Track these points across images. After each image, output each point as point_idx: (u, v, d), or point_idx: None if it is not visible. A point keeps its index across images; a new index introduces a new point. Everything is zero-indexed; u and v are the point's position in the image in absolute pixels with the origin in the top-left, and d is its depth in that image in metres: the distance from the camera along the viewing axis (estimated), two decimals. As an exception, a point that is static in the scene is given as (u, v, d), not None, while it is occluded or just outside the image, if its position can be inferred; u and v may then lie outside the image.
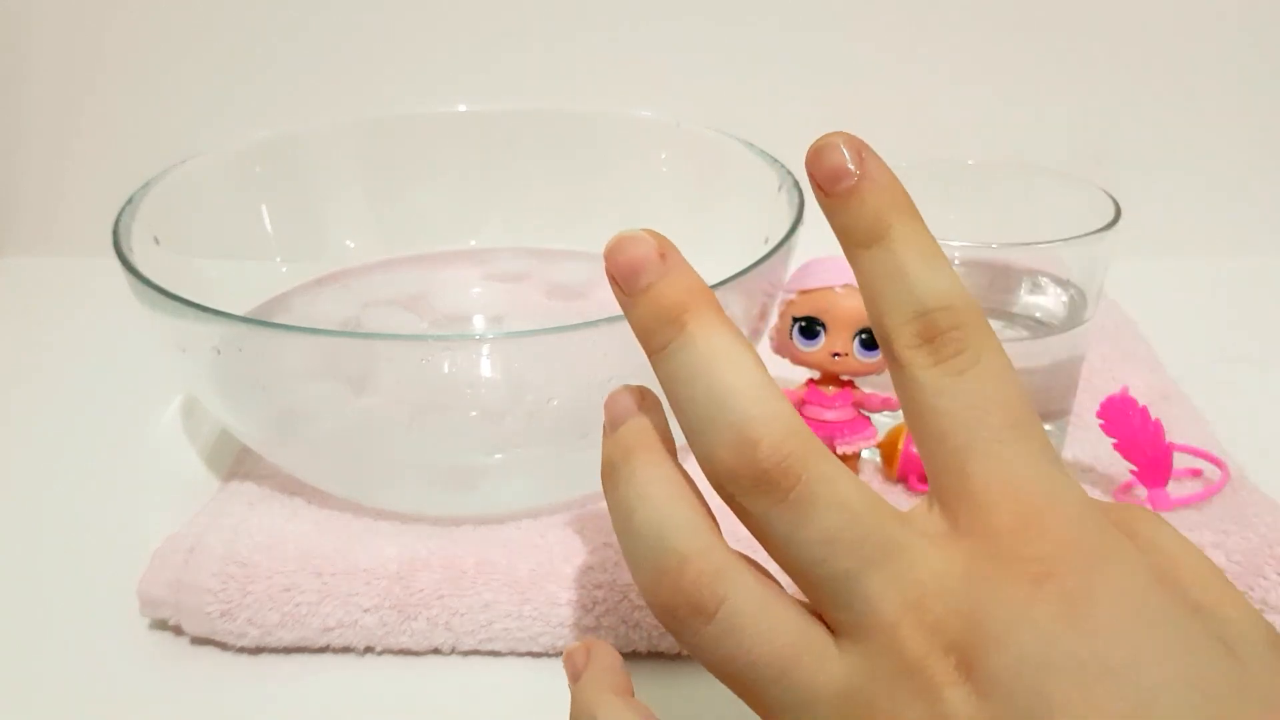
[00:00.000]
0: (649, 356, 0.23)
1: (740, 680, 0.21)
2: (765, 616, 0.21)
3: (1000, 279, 0.42)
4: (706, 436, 0.21)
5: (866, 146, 0.23)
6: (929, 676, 0.19)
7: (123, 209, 0.42)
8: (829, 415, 0.40)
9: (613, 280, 0.23)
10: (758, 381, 0.21)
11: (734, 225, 0.47)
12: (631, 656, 0.35)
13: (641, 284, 0.22)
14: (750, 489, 0.21)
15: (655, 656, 0.35)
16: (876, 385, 0.41)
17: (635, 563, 0.22)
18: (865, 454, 0.42)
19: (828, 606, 0.21)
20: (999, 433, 0.21)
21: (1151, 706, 0.18)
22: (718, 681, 0.22)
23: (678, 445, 0.23)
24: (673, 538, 0.21)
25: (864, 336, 0.38)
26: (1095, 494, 0.40)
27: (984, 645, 0.19)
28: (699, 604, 0.21)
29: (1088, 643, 0.19)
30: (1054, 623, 0.19)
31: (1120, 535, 0.21)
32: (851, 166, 0.22)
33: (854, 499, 0.21)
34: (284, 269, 0.51)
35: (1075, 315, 0.40)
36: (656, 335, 0.22)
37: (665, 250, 0.23)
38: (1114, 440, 0.38)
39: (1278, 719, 0.19)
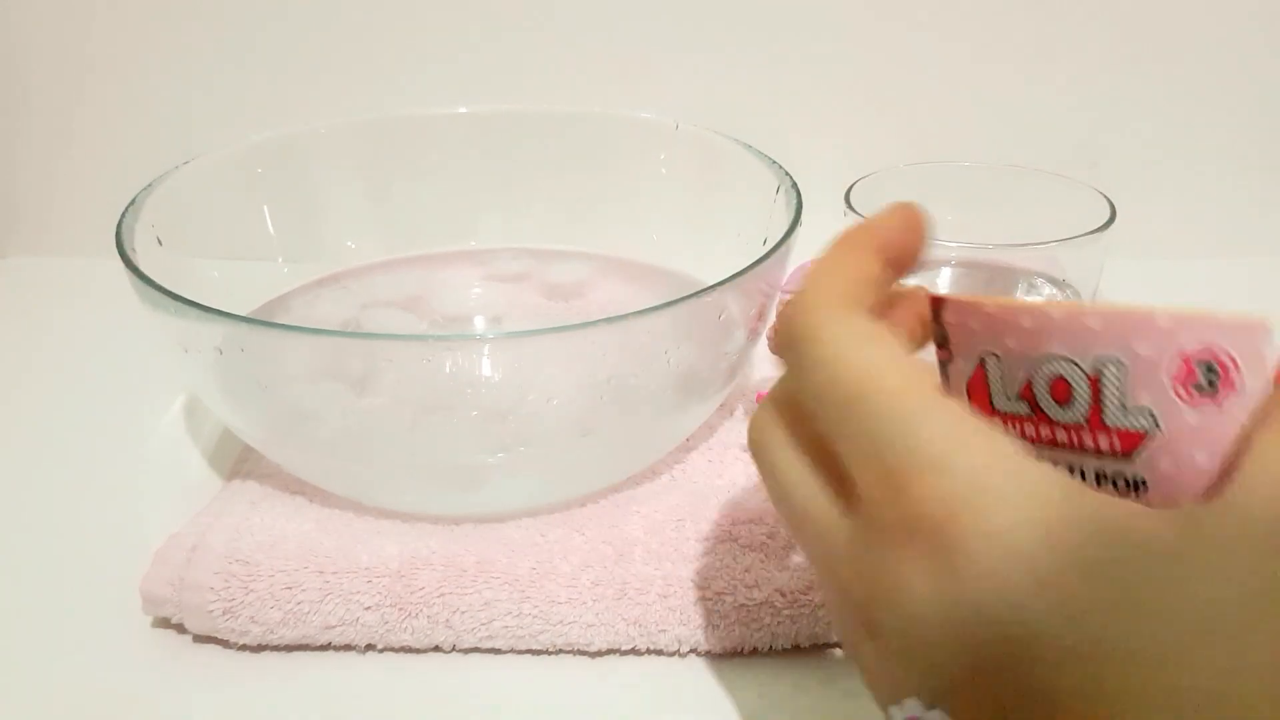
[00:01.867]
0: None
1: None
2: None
3: (997, 279, 0.42)
4: None
5: None
6: (849, 631, 0.23)
7: (125, 210, 0.42)
8: (827, 415, 0.40)
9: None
10: None
11: (733, 226, 0.47)
12: (631, 654, 0.35)
13: None
14: None
15: (655, 655, 0.35)
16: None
17: None
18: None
19: None
20: (838, 413, 0.24)
21: (1021, 643, 0.20)
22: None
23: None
24: None
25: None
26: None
27: (874, 605, 0.22)
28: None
29: (953, 588, 0.21)
30: (923, 578, 0.21)
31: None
32: None
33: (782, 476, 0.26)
34: (285, 269, 0.52)
35: (1072, 315, 0.40)
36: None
37: None
38: (1110, 439, 0.39)
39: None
